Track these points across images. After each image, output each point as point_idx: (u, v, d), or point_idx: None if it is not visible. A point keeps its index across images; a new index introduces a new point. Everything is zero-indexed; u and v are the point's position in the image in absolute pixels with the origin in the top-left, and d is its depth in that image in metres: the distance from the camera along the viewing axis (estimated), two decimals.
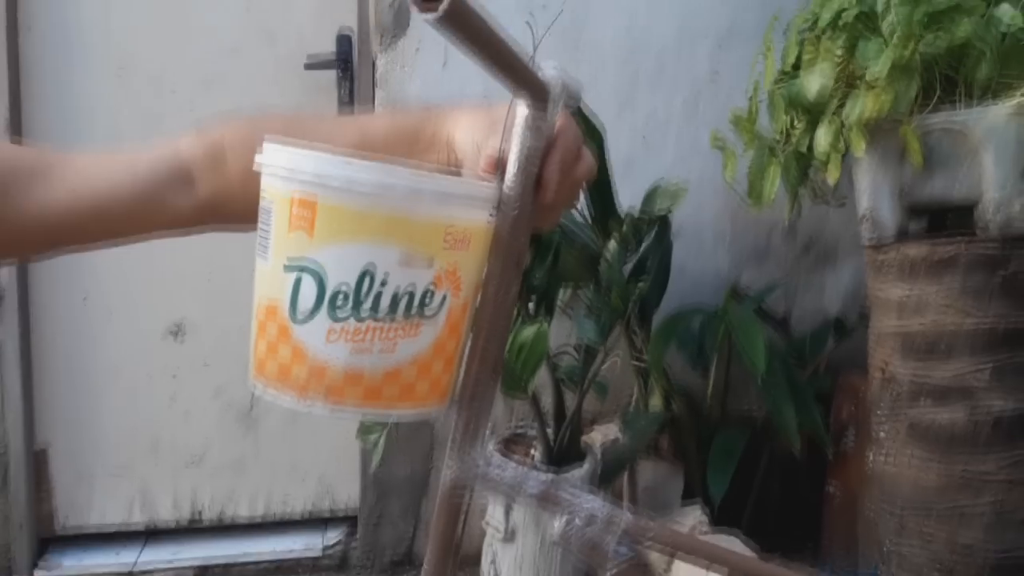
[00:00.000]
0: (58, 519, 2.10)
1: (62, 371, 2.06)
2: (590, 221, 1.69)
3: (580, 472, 1.54)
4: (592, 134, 1.58)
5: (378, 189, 0.53)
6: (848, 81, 1.45)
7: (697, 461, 1.79)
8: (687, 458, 1.82)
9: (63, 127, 1.99)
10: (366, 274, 0.54)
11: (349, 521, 2.20)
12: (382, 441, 1.57)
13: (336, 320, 0.54)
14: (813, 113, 1.48)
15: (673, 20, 1.99)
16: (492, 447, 1.65)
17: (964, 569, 1.41)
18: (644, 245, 1.71)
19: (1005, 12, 1.34)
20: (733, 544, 1.55)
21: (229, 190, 0.68)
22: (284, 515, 2.20)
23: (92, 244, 0.70)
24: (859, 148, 1.41)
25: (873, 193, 1.48)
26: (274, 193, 0.56)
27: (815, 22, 1.49)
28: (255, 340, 0.58)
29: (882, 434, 1.51)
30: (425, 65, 1.91)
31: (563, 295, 1.75)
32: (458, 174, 0.67)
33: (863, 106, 1.36)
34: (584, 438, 1.71)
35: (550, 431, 1.59)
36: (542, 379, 1.63)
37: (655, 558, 1.47)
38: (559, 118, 0.59)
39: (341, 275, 0.54)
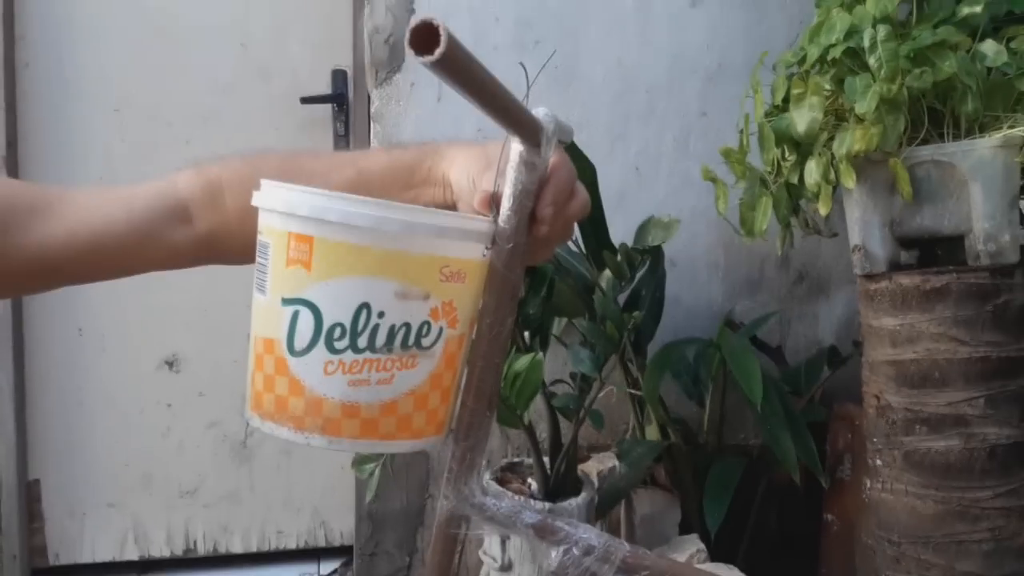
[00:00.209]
0: (51, 551, 2.08)
1: (55, 403, 2.06)
2: (584, 253, 1.70)
3: (577, 502, 1.53)
4: (585, 168, 1.60)
5: (374, 224, 0.54)
6: (837, 115, 1.47)
7: (694, 491, 1.78)
8: (684, 488, 1.81)
9: (60, 163, 2.01)
10: (363, 308, 0.55)
11: (345, 552, 2.18)
12: (377, 472, 1.57)
13: (333, 353, 0.55)
14: (803, 147, 1.50)
15: (663, 58, 2.02)
16: (488, 477, 1.65)
17: None
18: (638, 276, 1.72)
19: (989, 48, 1.37)
20: (732, 575, 1.54)
21: (227, 227, 0.69)
22: (279, 547, 2.18)
23: (90, 279, 0.70)
24: (849, 181, 1.43)
25: (864, 225, 1.49)
26: (272, 229, 0.57)
27: (803, 59, 1.52)
28: (252, 373, 0.59)
29: (878, 463, 1.51)
30: (420, 100, 1.94)
31: (558, 326, 1.76)
32: (454, 210, 0.68)
33: (852, 140, 1.38)
34: (581, 468, 1.71)
35: (546, 461, 1.59)
36: (538, 409, 1.63)
37: None
38: (553, 155, 0.60)
39: (338, 309, 0.55)
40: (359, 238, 0.54)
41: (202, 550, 2.15)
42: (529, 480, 1.63)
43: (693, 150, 2.04)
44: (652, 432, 1.82)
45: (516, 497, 1.54)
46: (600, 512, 1.65)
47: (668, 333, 1.91)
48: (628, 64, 2.02)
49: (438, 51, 0.43)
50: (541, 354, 1.43)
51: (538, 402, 1.53)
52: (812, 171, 1.47)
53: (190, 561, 2.15)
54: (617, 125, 2.02)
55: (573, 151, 1.54)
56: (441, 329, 0.58)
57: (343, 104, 2.08)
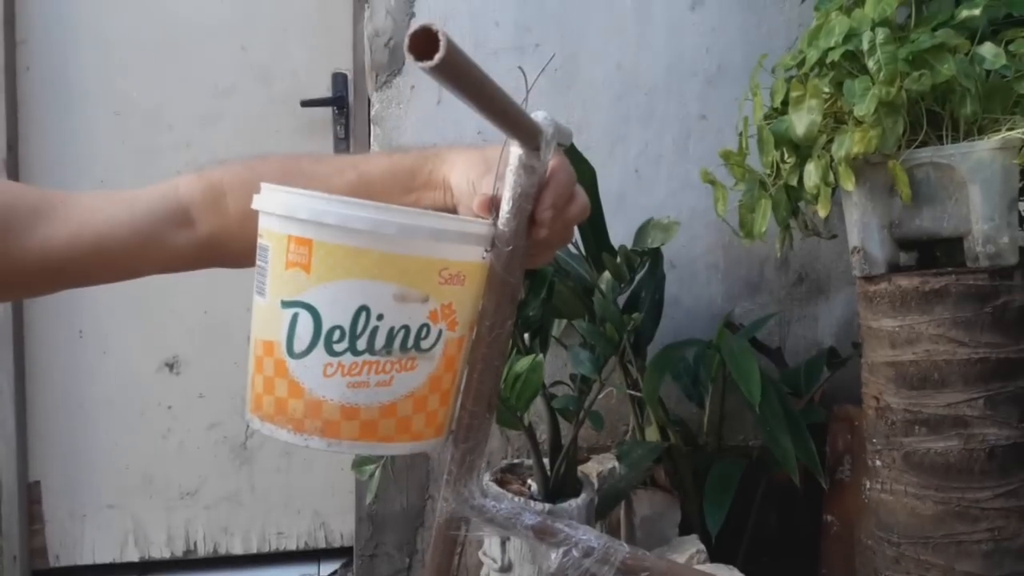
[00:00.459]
0: (51, 553, 2.08)
1: (56, 405, 2.06)
2: (584, 255, 1.70)
3: (577, 503, 1.53)
4: (584, 170, 1.61)
5: (373, 227, 0.54)
6: (836, 118, 1.47)
7: (694, 492, 1.79)
8: (683, 489, 1.81)
9: (61, 166, 2.01)
10: (362, 310, 0.55)
11: (345, 554, 2.19)
12: (378, 474, 1.57)
13: (333, 356, 0.55)
14: (802, 150, 1.50)
15: (662, 61, 2.03)
16: (488, 479, 1.65)
17: None
18: (637, 278, 1.73)
19: (988, 51, 1.37)
20: (732, 575, 1.54)
21: (228, 230, 0.69)
22: (279, 548, 2.18)
23: (92, 281, 0.71)
24: (848, 183, 1.43)
25: (863, 227, 1.50)
26: (271, 232, 0.57)
27: (802, 62, 1.52)
28: (252, 375, 0.59)
29: (877, 464, 1.52)
30: (420, 103, 1.94)
31: (558, 327, 1.76)
32: (455, 213, 0.68)
33: (851, 143, 1.38)
34: (580, 469, 1.71)
35: (546, 462, 1.59)
36: (538, 411, 1.63)
37: None
38: (552, 159, 0.60)
39: (337, 312, 0.55)
40: (358, 241, 0.54)
41: (202, 551, 2.15)
42: (529, 481, 1.63)
43: (692, 152, 2.05)
44: (652, 433, 1.82)
45: (516, 498, 1.54)
46: (600, 513, 1.65)
47: (668, 335, 1.91)
48: (628, 67, 2.02)
49: (437, 56, 0.43)
50: (541, 355, 1.43)
51: (538, 403, 1.53)
52: (811, 173, 1.47)
53: (190, 562, 2.15)
54: (617, 127, 2.03)
55: (572, 153, 1.55)
56: (440, 332, 0.58)
57: (343, 107, 2.08)
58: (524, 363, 1.39)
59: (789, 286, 2.13)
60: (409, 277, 0.56)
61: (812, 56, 1.47)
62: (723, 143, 1.84)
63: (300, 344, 0.56)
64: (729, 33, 2.05)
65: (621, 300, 1.73)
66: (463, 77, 0.47)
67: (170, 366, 2.11)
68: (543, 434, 1.69)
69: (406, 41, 0.44)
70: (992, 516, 1.41)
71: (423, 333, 0.57)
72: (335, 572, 2.15)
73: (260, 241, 0.58)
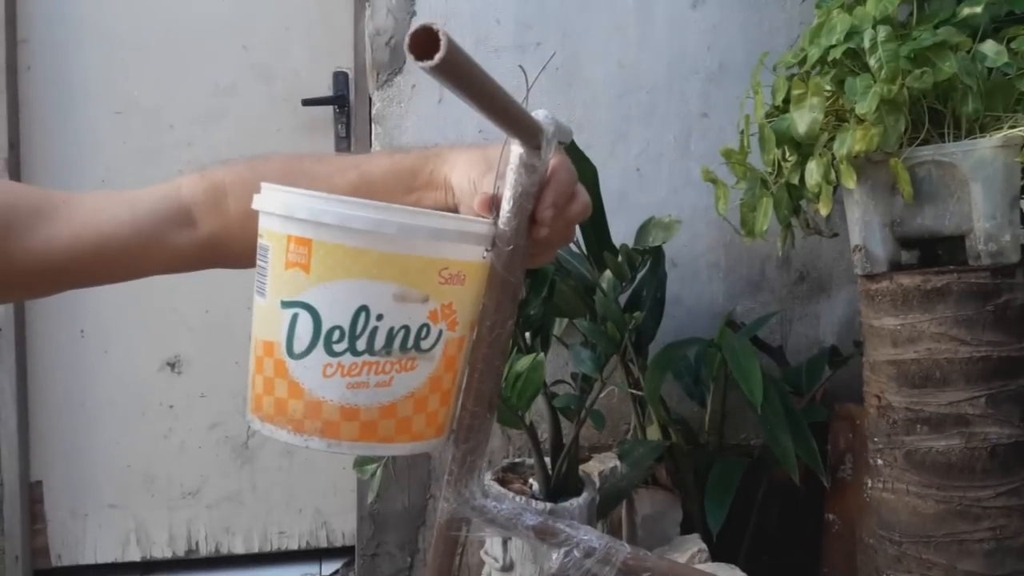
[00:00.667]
0: (53, 552, 2.09)
1: (58, 404, 2.06)
2: (585, 253, 1.70)
3: (578, 502, 1.53)
4: (585, 169, 1.60)
5: (372, 227, 0.54)
6: (838, 116, 1.47)
7: (695, 491, 1.79)
8: (685, 488, 1.81)
9: (62, 166, 2.01)
10: (362, 311, 0.55)
11: (346, 553, 2.19)
12: (379, 473, 1.57)
13: (332, 356, 0.55)
14: (804, 148, 1.50)
15: (663, 59, 2.03)
16: (489, 478, 1.65)
17: None
18: (639, 277, 1.73)
19: (990, 49, 1.37)
20: (733, 575, 1.54)
21: (229, 230, 0.69)
22: (281, 548, 2.18)
23: (94, 282, 0.71)
24: (850, 182, 1.43)
25: (865, 225, 1.49)
26: (271, 232, 0.57)
27: (803, 60, 1.52)
28: (252, 376, 0.59)
29: (879, 463, 1.51)
30: (421, 102, 1.94)
31: (559, 326, 1.76)
32: (456, 213, 0.68)
33: (852, 141, 1.38)
34: (582, 468, 1.71)
35: (548, 461, 1.59)
36: (539, 410, 1.63)
37: None
38: (554, 157, 0.60)
39: (337, 312, 0.55)
40: (357, 241, 0.54)
41: (204, 551, 2.15)
42: (530, 480, 1.63)
43: (694, 151, 2.05)
44: (653, 432, 1.82)
45: (517, 498, 1.54)
46: (601, 512, 1.65)
47: (669, 333, 1.91)
48: (629, 65, 2.02)
49: (438, 56, 0.43)
50: (542, 354, 1.43)
51: (539, 402, 1.53)
52: (813, 171, 1.47)
53: (192, 562, 2.15)
54: (618, 126, 2.02)
55: (574, 152, 1.54)
56: (441, 332, 0.58)
57: (344, 106, 2.08)
58: (525, 362, 1.39)
59: (790, 284, 2.12)
60: (409, 277, 0.56)
61: (814, 54, 1.47)
62: (724, 141, 1.84)
63: (300, 344, 0.56)
64: (730, 31, 2.05)
65: (622, 299, 1.73)
66: (464, 77, 0.47)
67: (172, 365, 2.11)
68: (544, 433, 1.69)
69: (406, 41, 0.43)
70: (994, 515, 1.40)
71: (423, 333, 0.57)
72: (337, 571, 2.15)
73: (260, 241, 0.58)
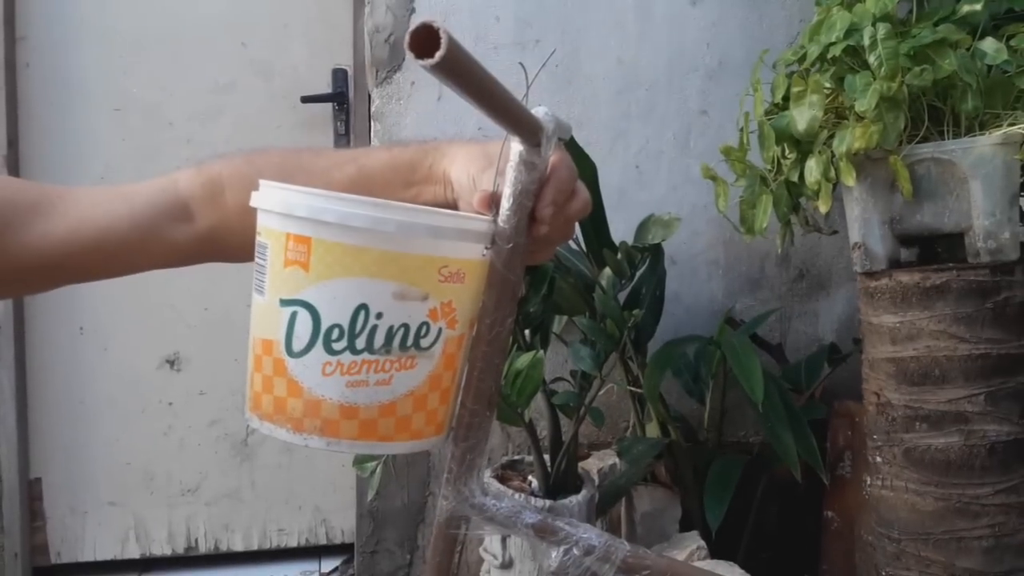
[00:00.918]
0: (52, 550, 2.09)
1: (57, 402, 2.06)
2: (585, 251, 1.70)
3: (577, 499, 1.53)
4: (585, 166, 1.60)
5: (372, 225, 0.54)
6: (837, 113, 1.47)
7: (694, 488, 1.79)
8: (684, 485, 1.81)
9: (61, 163, 2.01)
10: (361, 309, 0.55)
11: (346, 550, 2.19)
12: (379, 470, 1.57)
13: (332, 354, 0.55)
14: (803, 145, 1.50)
15: (663, 56, 2.02)
16: (489, 475, 1.65)
17: None
18: (638, 274, 1.73)
19: (989, 46, 1.37)
20: (732, 572, 1.54)
21: (227, 224, 0.69)
22: (280, 545, 2.19)
23: (92, 277, 0.70)
24: (849, 179, 1.43)
25: (864, 222, 1.49)
26: (270, 230, 0.57)
27: (803, 57, 1.51)
28: (251, 374, 0.59)
29: (878, 460, 1.51)
30: (421, 99, 1.94)
31: (558, 324, 1.76)
32: (455, 209, 0.68)
33: (852, 138, 1.38)
34: (581, 465, 1.71)
35: (547, 458, 1.59)
36: (539, 407, 1.63)
37: None
38: (554, 155, 0.60)
39: (336, 310, 0.55)
40: (356, 239, 0.54)
41: (203, 548, 2.15)
42: (530, 477, 1.63)
43: (693, 148, 2.04)
44: (652, 430, 1.82)
45: (516, 496, 1.54)
46: (601, 509, 1.65)
47: (668, 331, 1.91)
48: (628, 62, 2.01)
49: (438, 54, 0.43)
50: (542, 352, 1.43)
51: (539, 400, 1.53)
52: (812, 169, 1.47)
53: (191, 559, 2.15)
54: (617, 123, 2.02)
55: (574, 149, 1.54)
56: (440, 330, 0.57)
57: (343, 103, 2.08)
58: (525, 359, 1.39)
59: (790, 282, 2.12)
60: (408, 275, 0.55)
61: (813, 51, 1.47)
62: (724, 139, 1.84)
63: (299, 343, 0.55)
64: (730, 28, 2.04)
65: (622, 296, 1.73)
66: (464, 75, 0.46)
67: (171, 363, 2.11)
68: (544, 430, 1.69)
69: (406, 39, 0.43)
70: (993, 512, 1.40)
71: (423, 331, 0.56)
72: (336, 569, 2.16)
73: (259, 239, 0.58)
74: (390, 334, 0.55)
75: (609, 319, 1.60)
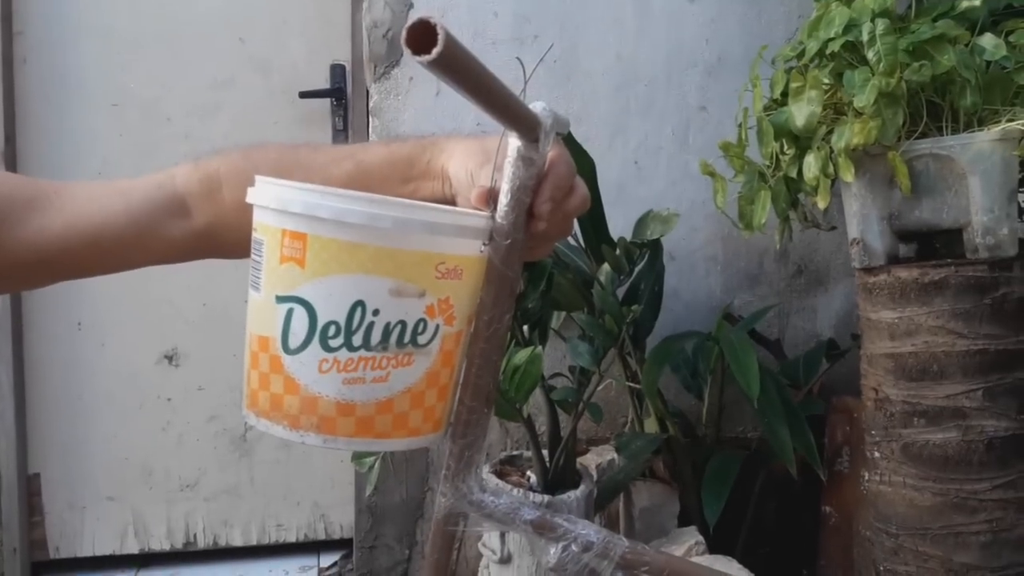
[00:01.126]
0: (51, 545, 2.09)
1: (55, 397, 2.06)
2: (583, 247, 1.70)
3: (576, 495, 1.53)
4: (584, 162, 1.60)
5: (368, 221, 0.53)
6: (836, 109, 1.47)
7: (692, 483, 1.79)
8: (682, 481, 1.82)
9: (58, 158, 2.01)
10: (357, 306, 0.54)
11: (344, 545, 2.19)
12: (377, 466, 1.57)
13: (328, 351, 0.55)
14: (802, 141, 1.50)
15: (662, 52, 2.02)
16: (487, 471, 1.65)
17: None
18: (637, 270, 1.72)
19: (988, 42, 1.36)
20: (730, 567, 1.54)
21: (224, 220, 0.69)
22: (279, 540, 2.19)
23: (88, 272, 0.70)
24: (848, 175, 1.43)
25: (863, 218, 1.49)
26: (266, 226, 0.57)
27: (802, 53, 1.51)
28: (248, 371, 0.58)
29: (876, 456, 1.52)
30: (419, 95, 1.93)
31: (557, 320, 1.76)
32: (453, 204, 0.68)
33: (851, 134, 1.38)
34: (579, 461, 1.71)
35: (545, 454, 1.59)
36: (537, 402, 1.63)
37: None
38: (552, 150, 0.59)
39: (332, 307, 0.54)
40: (352, 235, 0.54)
41: (202, 543, 2.16)
42: (528, 473, 1.64)
43: (692, 144, 2.04)
44: (651, 425, 1.82)
45: (515, 491, 1.54)
46: (599, 505, 1.65)
47: (667, 327, 1.91)
48: (627, 58, 2.01)
49: (436, 51, 0.43)
50: (540, 348, 1.43)
51: (537, 395, 1.53)
52: (811, 165, 1.47)
53: (190, 554, 2.15)
54: (616, 119, 2.02)
55: (572, 145, 1.54)
56: (437, 326, 0.57)
57: (341, 98, 2.08)
58: (523, 355, 1.39)
59: (788, 278, 2.12)
60: (405, 271, 0.55)
61: (812, 47, 1.47)
62: (723, 134, 1.84)
63: (295, 340, 0.55)
64: (729, 24, 2.04)
65: (620, 292, 1.73)
66: (461, 71, 0.46)
67: (169, 358, 2.11)
68: (542, 426, 1.69)
69: (403, 35, 0.43)
70: (990, 507, 1.41)
71: (420, 328, 0.56)
72: (335, 564, 2.16)
73: (254, 235, 0.58)
74: (387, 331, 0.55)
75: (607, 315, 1.60)
